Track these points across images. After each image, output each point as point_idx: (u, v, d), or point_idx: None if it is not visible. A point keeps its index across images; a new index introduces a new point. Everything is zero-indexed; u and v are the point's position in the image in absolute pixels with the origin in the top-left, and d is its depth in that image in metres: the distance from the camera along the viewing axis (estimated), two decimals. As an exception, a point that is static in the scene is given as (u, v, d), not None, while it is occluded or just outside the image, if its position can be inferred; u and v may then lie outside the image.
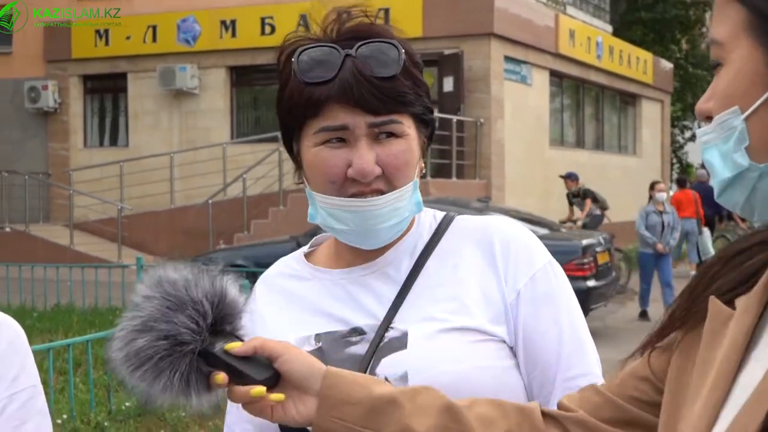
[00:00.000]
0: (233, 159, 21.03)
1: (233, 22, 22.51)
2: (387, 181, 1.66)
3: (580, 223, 17.74)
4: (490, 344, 1.66)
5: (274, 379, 1.44)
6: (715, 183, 1.19)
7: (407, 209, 1.69)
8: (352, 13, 1.72)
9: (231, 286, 1.50)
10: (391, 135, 1.65)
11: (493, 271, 1.71)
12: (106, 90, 24.70)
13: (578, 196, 18.55)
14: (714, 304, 1.23)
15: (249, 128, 23.07)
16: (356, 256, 1.76)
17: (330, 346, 1.72)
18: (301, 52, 1.65)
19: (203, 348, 1.42)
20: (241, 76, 23.22)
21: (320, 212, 1.71)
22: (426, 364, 1.63)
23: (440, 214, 1.82)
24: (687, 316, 1.29)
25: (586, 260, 11.78)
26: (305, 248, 1.90)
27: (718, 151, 1.17)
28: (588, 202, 18.15)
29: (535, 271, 1.71)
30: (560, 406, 1.47)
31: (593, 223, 17.61)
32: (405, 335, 1.67)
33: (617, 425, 1.41)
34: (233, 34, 22.58)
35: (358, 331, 1.71)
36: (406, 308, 1.70)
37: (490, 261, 1.72)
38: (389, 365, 1.65)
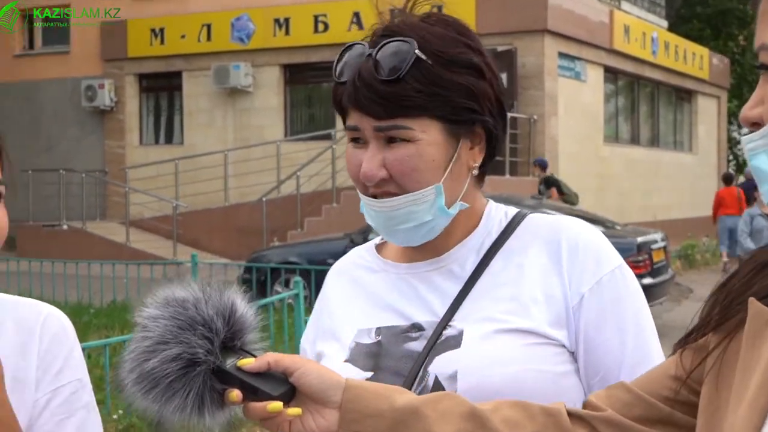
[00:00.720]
0: (287, 156, 21.11)
1: (287, 20, 22.58)
2: (397, 184, 1.65)
3: None
4: (547, 348, 1.63)
5: (291, 394, 1.42)
6: (764, 190, 1.18)
7: (428, 213, 1.67)
8: (404, 10, 1.72)
9: (239, 301, 1.48)
10: (401, 139, 1.64)
11: (558, 273, 1.68)
12: (162, 88, 24.90)
13: (543, 184, 17.92)
14: (754, 305, 1.21)
15: (303, 126, 23.14)
16: (422, 251, 1.76)
17: (389, 341, 1.72)
18: (342, 52, 1.68)
19: (216, 366, 1.40)
20: (295, 74, 23.29)
21: (363, 206, 1.73)
22: (477, 364, 1.62)
23: (512, 212, 1.79)
24: (723, 317, 1.27)
25: (641, 258, 11.69)
26: (377, 240, 1.89)
27: None
28: (552, 191, 17.49)
29: (602, 275, 1.66)
30: (588, 405, 1.44)
31: None
32: (461, 334, 1.66)
33: (648, 423, 1.38)
34: (287, 32, 22.65)
35: (417, 327, 1.71)
36: (466, 307, 1.69)
37: (556, 262, 1.69)
38: (441, 364, 1.64)
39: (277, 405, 1.39)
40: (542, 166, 18.56)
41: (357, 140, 1.68)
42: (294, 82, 23.46)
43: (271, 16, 22.70)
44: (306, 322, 9.74)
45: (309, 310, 10.40)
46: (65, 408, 1.64)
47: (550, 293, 1.67)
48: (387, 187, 1.66)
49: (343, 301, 1.85)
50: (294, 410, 1.41)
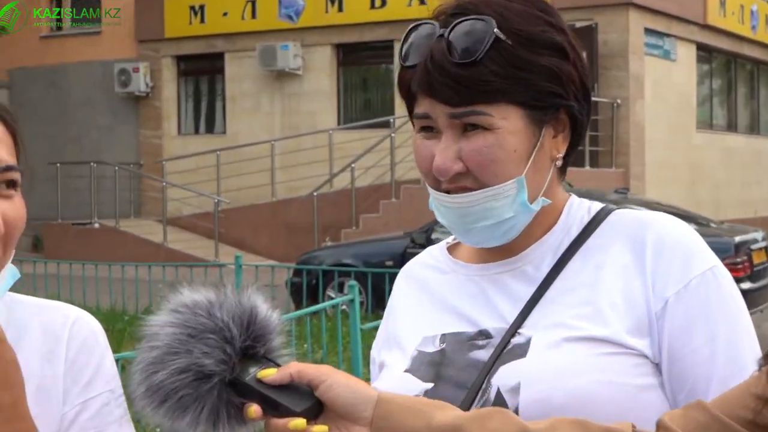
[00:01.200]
0: (340, 147, 21.14)
1: (340, -6, 22.64)
2: (474, 178, 1.65)
3: None
4: (625, 358, 1.61)
5: (316, 409, 1.41)
6: None
7: (508, 210, 1.66)
8: None
9: (261, 303, 1.47)
10: (479, 127, 1.63)
11: (641, 274, 1.66)
12: (202, 71, 25.07)
13: None
14: None
15: (358, 112, 23.16)
16: (496, 251, 1.75)
17: (453, 349, 1.72)
18: (408, 32, 1.67)
19: (233, 377, 1.40)
20: (349, 55, 23.32)
21: (431, 202, 1.73)
22: (541, 376, 1.60)
23: (596, 207, 1.78)
24: None
25: (739, 259, 11.55)
26: (450, 238, 1.88)
27: None
28: None
29: (691, 279, 1.63)
30: (660, 426, 1.41)
31: None
32: (528, 342, 1.65)
33: None
34: (340, 9, 22.68)
35: (484, 334, 1.71)
36: (537, 312, 1.68)
37: (639, 262, 1.67)
38: (504, 374, 1.63)
39: (300, 422, 1.38)
40: None
41: (427, 129, 1.68)
42: (348, 64, 23.49)
43: (322, -9, 22.77)
44: (362, 330, 9.81)
45: (365, 317, 10.42)
46: (96, 422, 1.65)
47: (631, 298, 1.65)
48: (463, 181, 1.65)
49: (409, 305, 1.86)
50: (320, 428, 1.40)
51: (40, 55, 25.73)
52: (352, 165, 19.88)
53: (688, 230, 1.70)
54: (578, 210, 1.78)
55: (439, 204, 1.70)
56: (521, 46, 1.62)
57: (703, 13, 23.14)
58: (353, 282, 9.48)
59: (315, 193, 20.04)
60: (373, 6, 22.24)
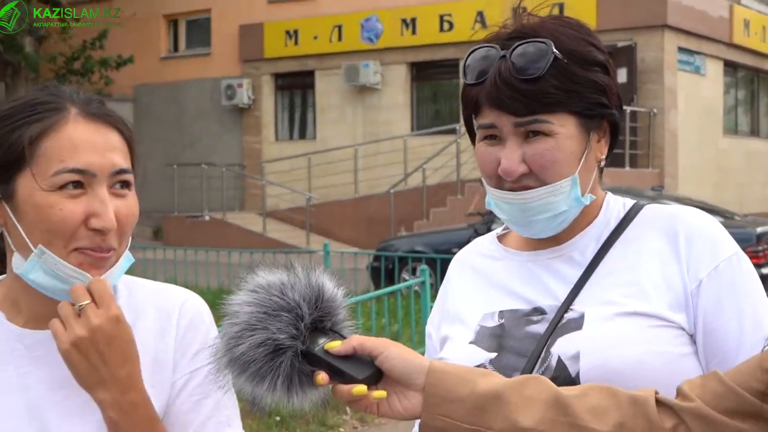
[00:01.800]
0: (413, 150, 21.14)
1: (413, 20, 22.61)
2: (536, 178, 1.66)
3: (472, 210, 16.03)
4: (667, 330, 1.63)
5: (376, 377, 1.42)
6: None
7: (564, 204, 1.68)
8: (528, 10, 1.73)
9: (328, 282, 1.47)
10: (540, 134, 1.64)
11: (676, 260, 1.67)
12: (295, 86, 25.19)
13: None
14: None
15: (428, 121, 23.12)
16: (544, 241, 1.77)
17: (511, 324, 1.73)
18: (469, 54, 1.70)
19: (304, 349, 1.40)
20: (421, 72, 23.30)
21: (489, 200, 1.74)
22: (599, 345, 1.62)
23: (629, 203, 1.80)
24: None
25: (761, 248, 11.35)
26: (499, 230, 1.91)
27: None
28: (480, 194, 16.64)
29: (719, 262, 1.65)
30: (679, 393, 1.39)
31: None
32: (582, 317, 1.66)
33: (737, 417, 1.32)
34: (413, 32, 22.67)
35: (539, 311, 1.72)
36: (586, 291, 1.69)
37: (674, 249, 1.69)
38: (564, 345, 1.64)
39: (361, 389, 1.39)
40: None
41: (491, 138, 1.69)
42: (420, 79, 23.47)
43: (398, 17, 22.76)
44: (432, 308, 9.80)
45: (435, 296, 10.42)
46: (202, 389, 1.67)
47: (669, 279, 1.66)
48: (525, 181, 1.67)
49: (465, 287, 1.87)
50: (379, 393, 1.41)
51: (160, 74, 26.05)
52: (424, 166, 19.85)
53: (713, 221, 1.73)
54: (615, 205, 1.80)
55: (501, 201, 1.71)
56: (574, 64, 1.65)
57: (729, 34, 22.77)
58: (424, 266, 9.48)
59: (391, 191, 20.08)
60: (442, 29, 22.19)
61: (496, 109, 1.65)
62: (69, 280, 1.54)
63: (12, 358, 1.59)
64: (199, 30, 25.86)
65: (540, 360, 1.65)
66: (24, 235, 1.54)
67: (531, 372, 1.64)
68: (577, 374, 1.61)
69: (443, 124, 21.73)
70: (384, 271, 13.21)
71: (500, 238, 1.89)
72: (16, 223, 1.55)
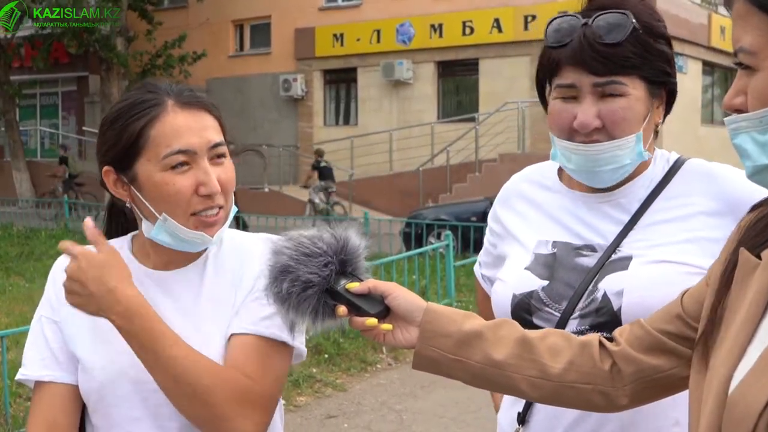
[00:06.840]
0: (439, 135, 21.08)
1: (440, 25, 22.48)
2: (606, 133, 1.61)
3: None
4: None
5: (385, 312, 1.45)
6: (748, 165, 1.16)
7: (628, 157, 1.63)
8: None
9: (354, 236, 1.48)
10: (615, 94, 1.60)
11: (717, 215, 1.63)
12: (341, 81, 25.14)
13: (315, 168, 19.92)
14: (743, 254, 1.17)
15: (452, 110, 23.02)
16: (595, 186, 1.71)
17: (563, 254, 1.69)
18: (551, 22, 1.64)
19: (329, 287, 1.43)
20: (446, 69, 23.17)
21: (557, 152, 1.68)
22: (642, 285, 1.58)
23: (673, 157, 1.75)
24: (726, 267, 1.22)
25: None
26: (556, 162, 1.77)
27: (751, 138, 1.15)
28: (309, 172, 20.06)
29: None
30: (614, 338, 1.41)
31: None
32: (629, 259, 1.62)
33: (653, 354, 1.35)
34: (440, 35, 22.54)
35: (589, 248, 1.67)
36: (633, 236, 1.65)
37: (714, 204, 1.63)
38: (610, 281, 1.60)
39: (372, 321, 1.43)
40: (319, 154, 20.42)
41: (566, 97, 1.63)
42: (445, 75, 23.34)
43: (427, 23, 22.63)
44: (454, 267, 9.73)
45: (456, 257, 10.42)
46: (258, 299, 1.64)
47: (709, 232, 1.61)
48: (597, 135, 1.61)
49: (519, 214, 1.82)
50: (386, 325, 1.45)
51: (228, 69, 26.09)
52: (447, 148, 19.82)
53: (745, 178, 1.68)
54: (661, 159, 1.75)
55: (570, 153, 1.64)
56: (648, 35, 1.61)
57: (708, 38, 22.49)
58: (448, 232, 9.49)
59: (420, 168, 20.06)
60: (464, 33, 22.05)
61: (578, 69, 1.59)
62: (185, 239, 1.63)
63: (145, 288, 1.64)
64: (260, 33, 25.83)
65: (587, 293, 1.62)
66: (151, 207, 1.62)
67: (578, 302, 1.62)
68: (620, 308, 1.58)
69: (464, 113, 21.68)
70: (414, 236, 13.20)
71: (559, 171, 1.82)
72: (142, 199, 1.63)
